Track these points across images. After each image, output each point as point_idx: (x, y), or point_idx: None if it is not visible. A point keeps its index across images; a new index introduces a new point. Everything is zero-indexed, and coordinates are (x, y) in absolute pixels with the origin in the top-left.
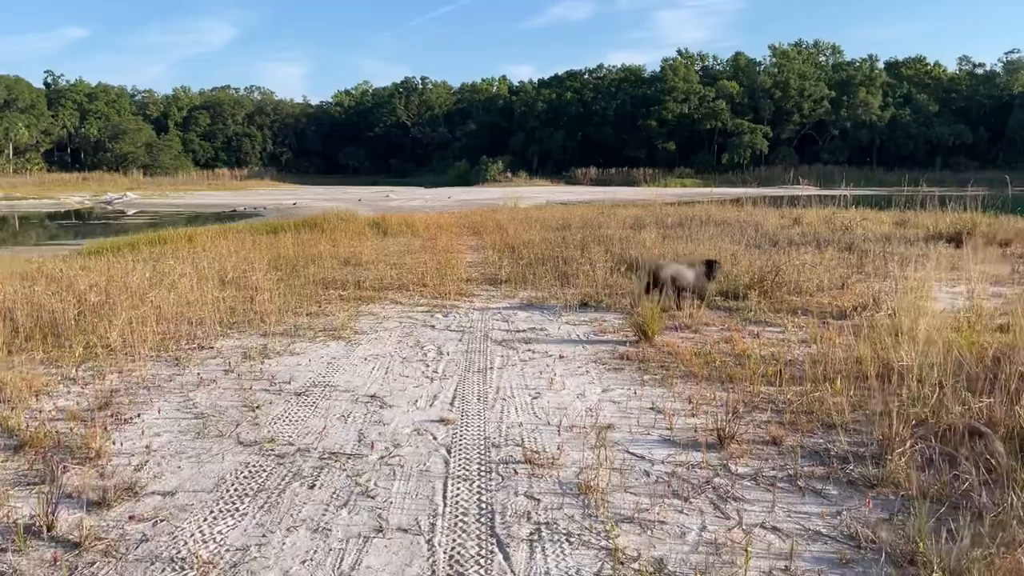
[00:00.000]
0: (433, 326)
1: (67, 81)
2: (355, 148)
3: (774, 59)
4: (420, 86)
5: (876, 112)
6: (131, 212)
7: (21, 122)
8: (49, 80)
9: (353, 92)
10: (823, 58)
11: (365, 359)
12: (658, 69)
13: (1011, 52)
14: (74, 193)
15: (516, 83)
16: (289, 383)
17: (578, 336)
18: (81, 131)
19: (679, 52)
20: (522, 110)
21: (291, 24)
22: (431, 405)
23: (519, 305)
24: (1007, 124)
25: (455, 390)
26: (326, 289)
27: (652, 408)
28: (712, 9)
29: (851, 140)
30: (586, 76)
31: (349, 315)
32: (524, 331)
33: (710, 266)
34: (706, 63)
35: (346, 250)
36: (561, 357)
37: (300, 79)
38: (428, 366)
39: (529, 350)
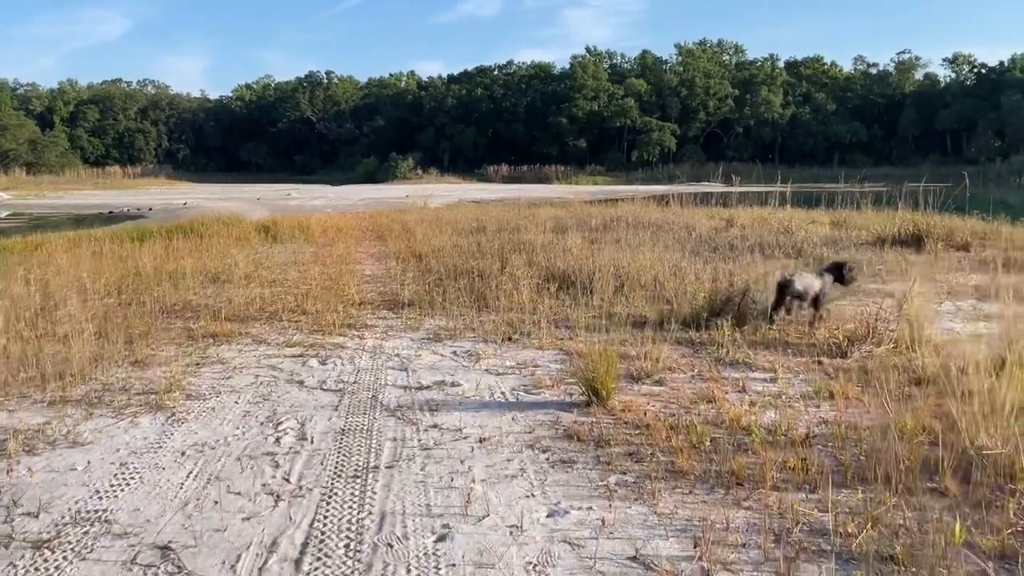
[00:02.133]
0: (302, 382)
1: None
2: (257, 144)
3: (680, 58)
4: (325, 81)
5: (778, 110)
6: (3, 214)
7: None
8: None
9: (255, 86)
10: (727, 57)
11: (182, 454)
12: (568, 67)
13: (903, 52)
14: None
15: (425, 79)
16: (36, 516)
17: (504, 394)
18: None
19: (588, 50)
20: (432, 106)
21: (190, 16)
22: (262, 570)
23: (425, 340)
24: (899, 122)
25: (311, 526)
26: (172, 320)
27: (635, 559)
28: (616, 9)
29: (755, 138)
30: (496, 72)
31: (188, 364)
32: (429, 387)
33: (839, 270)
34: (614, 61)
35: (218, 262)
36: (482, 441)
37: (200, 73)
38: (278, 467)
39: (435, 426)
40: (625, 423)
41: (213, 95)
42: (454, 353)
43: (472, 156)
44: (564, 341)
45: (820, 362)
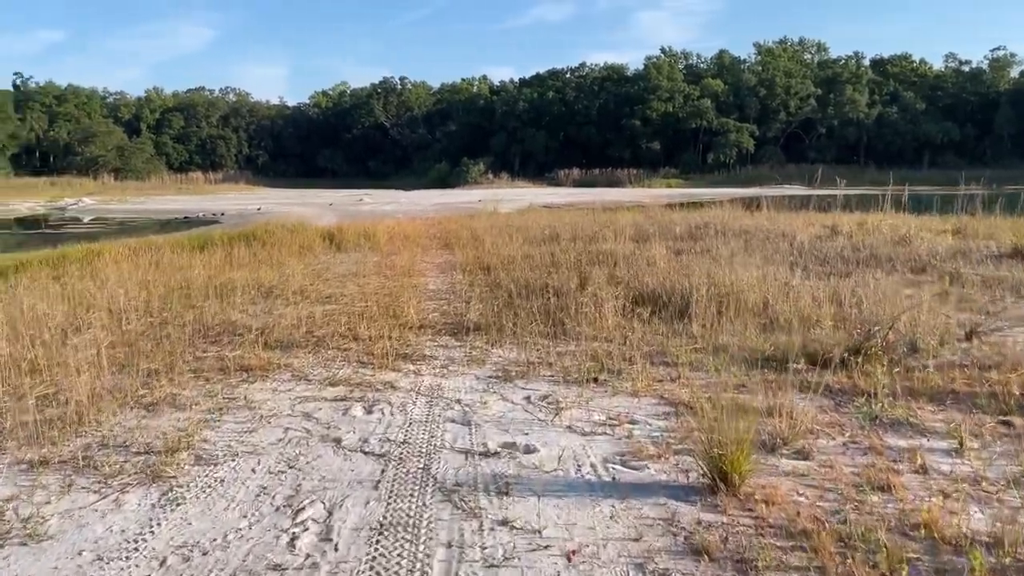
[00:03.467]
0: (339, 440)
1: (36, 83)
2: (333, 150)
3: (759, 57)
4: (399, 87)
5: (863, 110)
6: (87, 219)
7: None
8: (18, 82)
9: (331, 93)
10: (808, 56)
11: (162, 563)
12: (641, 68)
13: (997, 49)
14: (27, 199)
15: (497, 83)
16: None
17: (595, 468)
18: (50, 134)
19: (663, 50)
20: (503, 110)
21: (269, 27)
22: None
23: (492, 379)
24: (994, 121)
25: None
26: (208, 346)
27: None
28: (690, 9)
29: (838, 138)
30: (568, 75)
31: (210, 410)
32: (497, 453)
33: None
34: (690, 61)
35: (275, 274)
36: (571, 557)
37: (279, 81)
38: None
39: (505, 522)
40: (771, 526)
41: (291, 102)
42: (527, 400)
43: (543, 160)
44: (664, 385)
45: (1008, 422)
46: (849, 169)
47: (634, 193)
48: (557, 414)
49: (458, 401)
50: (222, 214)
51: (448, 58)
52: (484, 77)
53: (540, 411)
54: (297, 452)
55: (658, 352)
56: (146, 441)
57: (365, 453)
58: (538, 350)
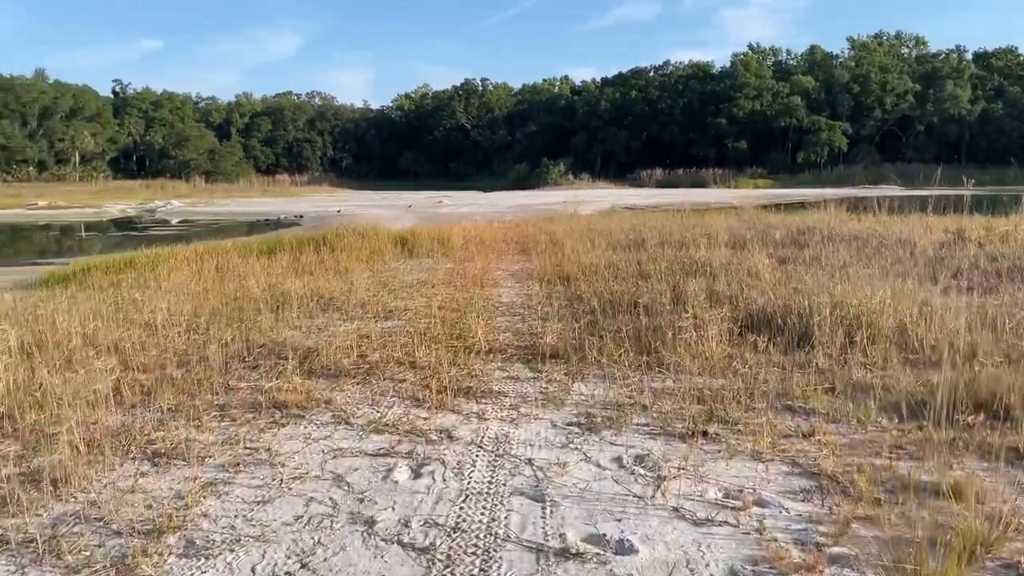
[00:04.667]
0: (372, 521)
1: (134, 90)
2: (415, 152)
3: (852, 52)
4: (480, 88)
5: (965, 106)
6: (174, 221)
7: (87, 131)
8: (117, 89)
9: (413, 96)
10: (906, 50)
11: None
12: (728, 65)
13: None
14: (120, 201)
15: (578, 83)
16: None
17: None
18: (146, 139)
19: (750, 47)
20: (584, 110)
21: (355, 33)
22: None
23: (573, 428)
24: None
25: None
26: (245, 371)
27: None
28: (779, 6)
29: (938, 136)
30: (651, 74)
31: (224, 465)
32: (580, 553)
33: None
34: (779, 58)
35: (339, 283)
36: None
37: (363, 84)
38: None
39: None
40: None
41: (375, 105)
42: (619, 462)
43: (625, 160)
44: (795, 443)
45: None
46: (950, 168)
47: (720, 194)
48: (659, 487)
49: (529, 461)
50: (301, 216)
51: (529, 59)
52: (566, 77)
53: (636, 480)
54: (315, 540)
55: (779, 393)
56: (133, 515)
57: (403, 545)
58: (628, 386)
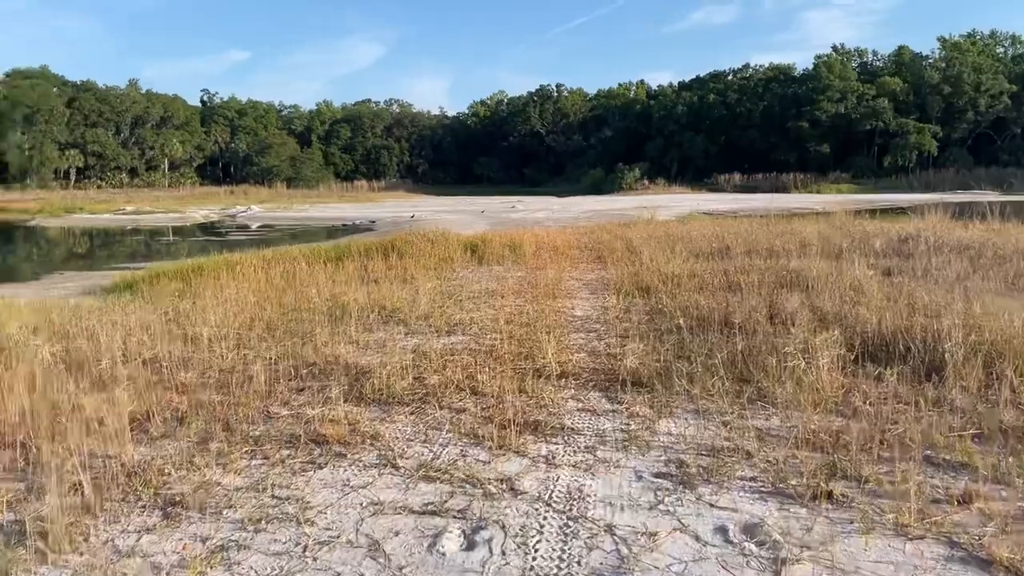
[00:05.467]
0: None
1: (220, 99)
2: (489, 158)
3: (943, 52)
4: (555, 94)
5: None
6: (254, 226)
7: (176, 138)
8: (205, 99)
9: (488, 102)
10: (1001, 50)
11: None
12: (810, 67)
13: None
14: (203, 206)
15: (654, 87)
16: None
17: None
18: (231, 146)
19: (834, 48)
20: (661, 114)
21: (432, 41)
22: None
23: (662, 479)
24: None
25: None
26: (291, 394)
27: None
28: (864, 7)
29: None
30: (730, 77)
31: (242, 521)
32: None
33: None
34: (864, 59)
35: (402, 293)
36: None
37: (440, 92)
38: None
39: None
40: None
41: (451, 112)
42: (723, 533)
43: (702, 165)
44: (949, 512)
45: None
46: None
47: (803, 199)
48: (780, 558)
49: (610, 529)
50: (374, 221)
51: (605, 65)
52: (641, 82)
53: (748, 564)
54: None
55: (916, 439)
56: None
57: None
58: (726, 424)
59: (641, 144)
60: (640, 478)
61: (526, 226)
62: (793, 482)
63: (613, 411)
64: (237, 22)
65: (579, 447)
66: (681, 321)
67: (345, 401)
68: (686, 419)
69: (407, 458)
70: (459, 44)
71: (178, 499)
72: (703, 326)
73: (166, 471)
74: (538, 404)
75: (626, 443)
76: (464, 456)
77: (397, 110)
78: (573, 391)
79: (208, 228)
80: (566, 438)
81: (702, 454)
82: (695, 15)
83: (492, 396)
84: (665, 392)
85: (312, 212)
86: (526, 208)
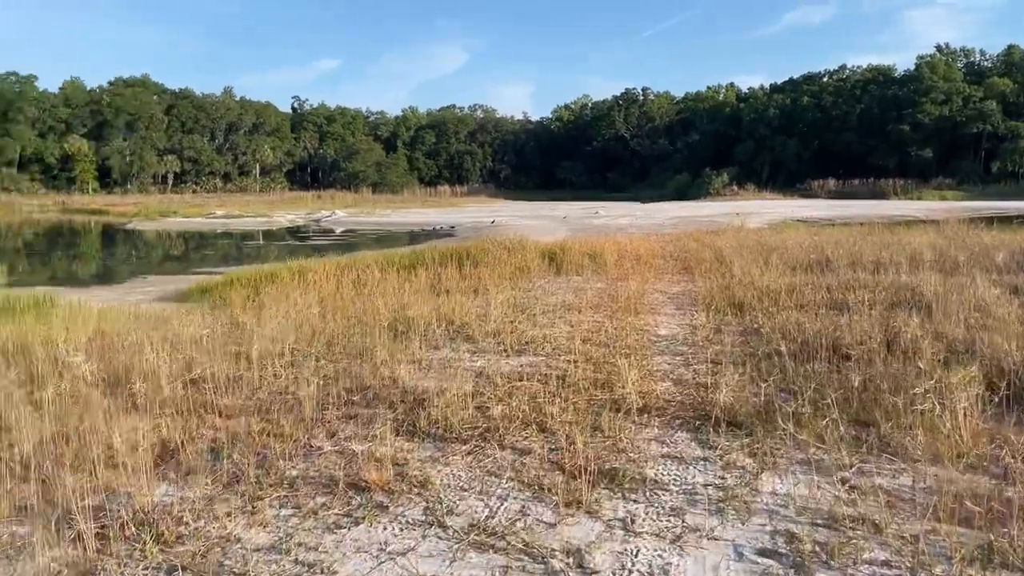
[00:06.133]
0: None
1: (310, 106)
2: (573, 162)
3: None
4: (641, 98)
5: None
6: (337, 230)
7: (267, 144)
8: (295, 105)
9: (572, 106)
10: None
11: None
12: (912, 68)
13: None
14: (290, 211)
15: (745, 90)
16: None
17: None
18: (319, 151)
19: (938, 48)
20: (751, 118)
21: (517, 47)
22: None
23: (766, 554)
24: None
25: None
26: (339, 422)
27: None
28: (970, 5)
29: None
30: (826, 79)
31: None
32: None
33: None
34: (971, 59)
35: (471, 305)
36: None
37: (524, 97)
38: None
39: None
40: None
41: (534, 116)
42: None
43: (794, 169)
44: None
45: None
46: None
47: (904, 206)
48: None
49: None
50: (453, 227)
51: (693, 68)
52: (731, 84)
53: None
54: None
55: None
56: None
57: None
58: (845, 483)
59: (730, 148)
60: (740, 556)
61: (608, 233)
62: (939, 571)
63: (704, 459)
64: (329, 32)
65: (664, 508)
66: (781, 344)
67: (396, 434)
68: (794, 473)
69: (458, 514)
70: (544, 50)
71: (187, 561)
72: (808, 352)
73: (184, 519)
74: (615, 447)
75: (721, 504)
76: (525, 515)
77: (481, 115)
78: (656, 430)
79: (293, 232)
80: (648, 494)
81: (817, 524)
82: (789, 16)
83: (562, 434)
84: (767, 436)
85: (394, 217)
86: (608, 214)
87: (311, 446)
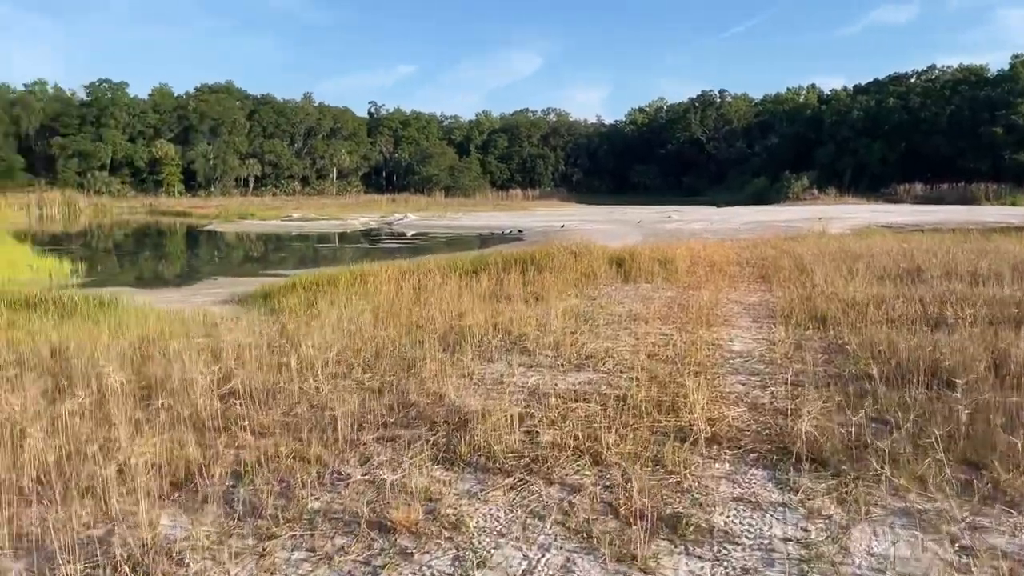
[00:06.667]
0: None
1: (386, 111)
2: (646, 166)
3: None
4: (718, 100)
5: None
6: (409, 233)
7: (344, 148)
8: (372, 110)
9: (647, 109)
10: None
11: None
12: (1006, 68)
13: None
14: (363, 214)
15: (827, 92)
16: None
17: None
18: (394, 156)
19: None
20: (833, 120)
21: (592, 51)
22: None
23: None
24: None
25: None
26: (376, 444)
27: None
28: None
29: None
30: (912, 79)
31: None
32: None
33: None
34: None
35: (532, 313)
36: None
37: (598, 101)
38: None
39: None
40: None
41: (608, 120)
42: None
43: (878, 173)
44: None
45: None
46: None
47: (998, 212)
48: None
49: None
50: (521, 231)
51: (771, 70)
52: (812, 86)
53: None
54: None
55: None
56: None
57: None
58: (955, 543)
59: (810, 151)
60: None
61: (681, 238)
62: None
63: (783, 505)
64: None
65: (734, 568)
66: (872, 367)
67: (434, 461)
68: (892, 527)
69: (491, 567)
70: (618, 53)
71: None
72: (902, 376)
73: (184, 560)
74: (679, 486)
75: (804, 566)
76: (569, 572)
77: (554, 119)
78: (727, 466)
79: (365, 235)
80: (716, 548)
81: None
82: (871, 15)
83: (619, 468)
84: (858, 479)
85: (464, 220)
86: (682, 218)
87: (340, 473)
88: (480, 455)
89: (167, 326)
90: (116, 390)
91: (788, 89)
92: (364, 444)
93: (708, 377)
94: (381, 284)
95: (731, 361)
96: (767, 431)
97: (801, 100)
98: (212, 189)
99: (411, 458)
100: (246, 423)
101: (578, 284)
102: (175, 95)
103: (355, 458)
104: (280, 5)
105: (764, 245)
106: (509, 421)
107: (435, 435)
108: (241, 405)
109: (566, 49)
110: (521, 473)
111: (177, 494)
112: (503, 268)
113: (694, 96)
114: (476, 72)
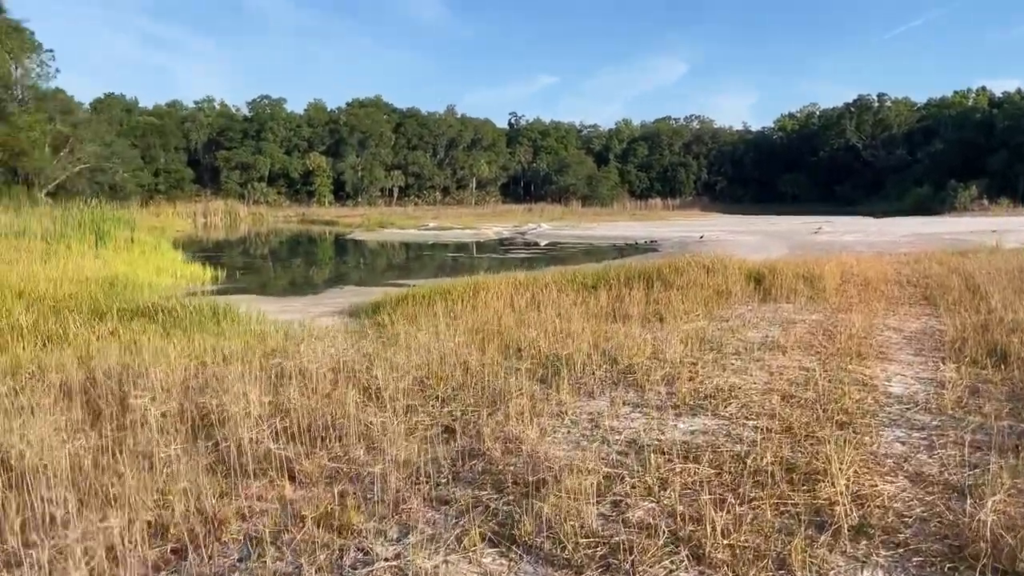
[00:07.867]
0: None
1: (526, 121)
2: (795, 174)
3: None
4: (876, 104)
5: None
6: (541, 243)
7: (483, 159)
8: (512, 121)
9: (797, 115)
10: None
11: None
12: None
13: None
14: (497, 223)
15: (999, 94)
16: None
17: None
18: (533, 165)
19: None
20: (1006, 124)
21: (739, 57)
22: None
23: None
24: None
25: None
26: (424, 508)
27: None
28: None
29: None
30: None
31: None
32: None
33: None
34: None
35: (648, 336)
36: None
37: (744, 107)
38: None
39: None
40: None
41: (755, 127)
42: None
43: None
44: None
45: None
46: None
47: None
48: None
49: None
50: (655, 241)
51: (934, 72)
52: (982, 88)
53: None
54: None
55: None
56: None
57: None
58: None
59: (980, 158)
60: None
61: (831, 251)
62: None
63: None
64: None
65: None
66: None
67: (487, 541)
68: None
69: None
70: (767, 58)
71: None
72: None
73: None
74: None
75: None
76: None
77: (697, 126)
78: (881, 575)
79: (497, 244)
80: None
81: None
82: None
83: (727, 570)
84: None
85: (598, 231)
86: (833, 229)
87: (365, 552)
88: (546, 536)
89: (265, 340)
90: (151, 424)
91: (955, 92)
92: (410, 509)
93: (857, 431)
94: (491, 298)
95: (888, 409)
96: (937, 519)
97: (970, 104)
98: (359, 199)
99: (459, 535)
100: (290, 468)
101: (708, 303)
102: (328, 109)
103: (393, 528)
104: (427, 21)
105: (928, 261)
106: (591, 488)
107: (499, 500)
108: (290, 443)
109: (714, 54)
110: (593, 571)
111: (166, 570)
112: (625, 283)
113: (850, 101)
114: (617, 80)
